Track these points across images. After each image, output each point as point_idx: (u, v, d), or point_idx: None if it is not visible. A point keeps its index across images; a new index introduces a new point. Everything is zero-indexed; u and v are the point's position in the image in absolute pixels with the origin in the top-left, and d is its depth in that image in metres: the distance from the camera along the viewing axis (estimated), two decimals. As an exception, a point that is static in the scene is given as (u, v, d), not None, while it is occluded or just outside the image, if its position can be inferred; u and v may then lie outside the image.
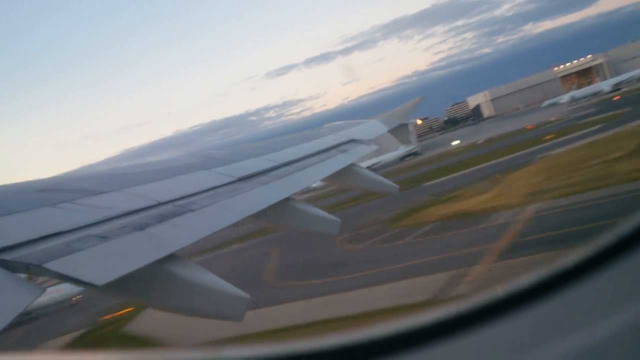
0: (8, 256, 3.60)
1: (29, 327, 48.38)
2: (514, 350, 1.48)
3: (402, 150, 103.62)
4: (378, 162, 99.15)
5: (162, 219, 4.89)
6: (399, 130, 14.65)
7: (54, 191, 5.14)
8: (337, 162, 8.96)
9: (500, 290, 1.67)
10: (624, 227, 1.74)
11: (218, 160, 7.49)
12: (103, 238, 4.22)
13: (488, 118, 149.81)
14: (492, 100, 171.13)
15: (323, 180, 8.51)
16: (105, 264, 3.94)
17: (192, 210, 5.25)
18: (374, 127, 13.33)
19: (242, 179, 6.69)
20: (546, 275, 1.66)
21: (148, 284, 4.28)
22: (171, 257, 4.41)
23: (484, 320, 1.55)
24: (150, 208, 5.11)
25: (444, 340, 1.52)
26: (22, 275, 3.69)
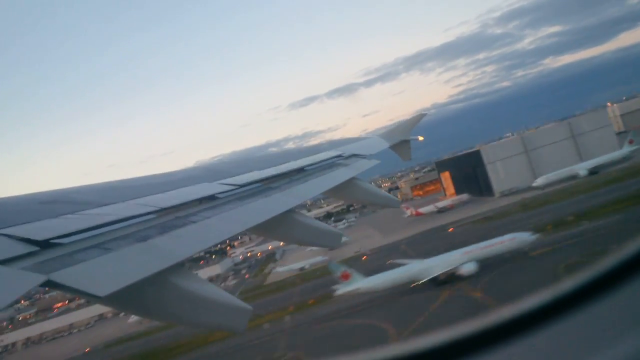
0: (11, 267, 3.57)
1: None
2: None
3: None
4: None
5: (164, 230, 4.88)
6: (400, 147, 14.55)
7: (58, 203, 5.14)
8: (339, 176, 8.94)
9: (500, 315, 1.72)
10: (623, 254, 1.76)
11: (221, 172, 7.44)
12: (105, 250, 4.21)
13: (620, 133, 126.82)
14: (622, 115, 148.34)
15: (325, 193, 8.47)
16: (106, 275, 3.93)
17: (194, 222, 5.23)
18: (375, 143, 13.30)
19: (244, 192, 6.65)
20: (546, 301, 1.69)
21: (150, 295, 4.27)
22: (173, 268, 4.38)
23: (481, 347, 1.57)
24: (152, 220, 5.10)
25: None
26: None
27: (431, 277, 55.91)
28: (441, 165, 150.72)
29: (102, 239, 4.40)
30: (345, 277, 59.72)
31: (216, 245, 5.79)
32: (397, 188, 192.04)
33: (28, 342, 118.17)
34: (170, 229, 4.91)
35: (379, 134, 14.99)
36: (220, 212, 5.72)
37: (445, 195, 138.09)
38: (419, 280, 56.35)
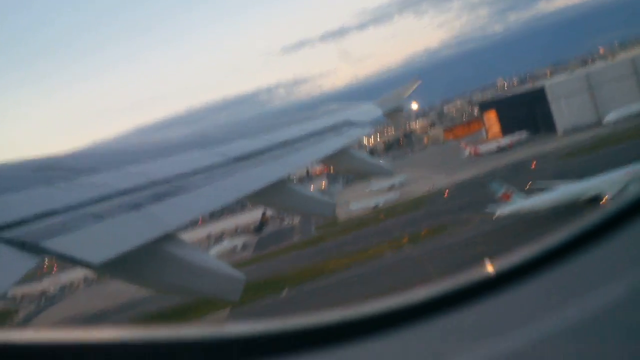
0: (4, 234, 3.57)
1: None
2: (506, 326, 1.53)
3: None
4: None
5: (157, 198, 4.86)
6: (394, 114, 14.55)
7: (51, 170, 5.09)
8: (332, 144, 8.90)
9: (489, 268, 1.74)
10: (609, 207, 1.83)
11: (213, 139, 7.43)
12: (99, 217, 4.21)
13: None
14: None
15: (318, 161, 8.53)
16: (100, 243, 3.95)
17: (188, 190, 5.23)
18: (369, 110, 13.22)
19: (237, 160, 6.65)
20: (535, 253, 1.71)
21: (144, 263, 4.27)
22: (167, 237, 4.40)
23: (474, 297, 1.59)
24: (145, 187, 5.07)
25: (435, 317, 1.56)
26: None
27: (600, 195, 53.55)
28: (485, 105, 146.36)
29: (95, 207, 4.39)
30: (507, 197, 58.62)
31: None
32: (411, 132, 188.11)
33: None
34: (164, 197, 4.91)
35: (375, 101, 14.86)
36: (213, 180, 5.74)
37: (487, 136, 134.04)
38: (584, 200, 54.24)
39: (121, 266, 4.08)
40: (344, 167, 9.78)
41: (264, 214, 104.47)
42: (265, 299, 56.79)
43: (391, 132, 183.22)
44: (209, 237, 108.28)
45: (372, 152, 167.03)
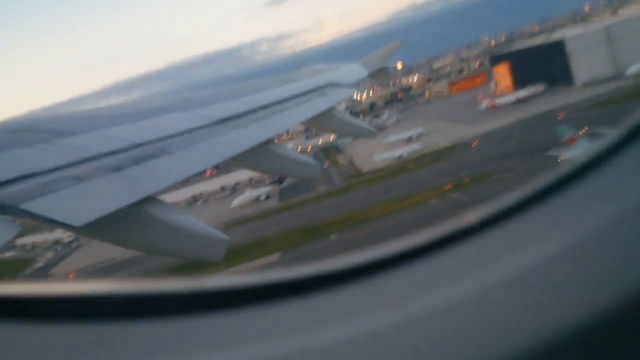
0: None
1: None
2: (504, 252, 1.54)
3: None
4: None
5: (138, 160, 4.83)
6: (379, 74, 14.51)
7: (28, 132, 5.03)
8: (316, 106, 8.84)
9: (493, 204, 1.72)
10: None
11: (195, 102, 7.37)
12: (79, 179, 4.17)
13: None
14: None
15: (302, 123, 8.50)
16: (81, 205, 3.92)
17: (169, 153, 5.20)
18: (354, 71, 13.15)
19: (220, 122, 6.59)
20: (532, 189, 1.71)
21: (126, 225, 4.26)
22: (149, 199, 4.39)
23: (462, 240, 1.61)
24: (126, 150, 5.03)
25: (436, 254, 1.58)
26: None
27: None
28: (496, 58, 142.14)
29: (75, 169, 4.35)
30: (572, 141, 56.61)
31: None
32: (409, 89, 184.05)
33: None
34: (145, 160, 4.87)
35: (359, 61, 14.64)
36: (196, 142, 5.71)
37: (496, 89, 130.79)
38: None
39: (103, 228, 4.06)
40: (329, 129, 9.77)
41: None
42: (313, 243, 56.57)
43: (385, 89, 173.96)
44: (223, 188, 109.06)
45: (372, 107, 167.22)
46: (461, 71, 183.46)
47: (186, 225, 4.55)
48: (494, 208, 1.69)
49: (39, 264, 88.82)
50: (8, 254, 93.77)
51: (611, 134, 1.83)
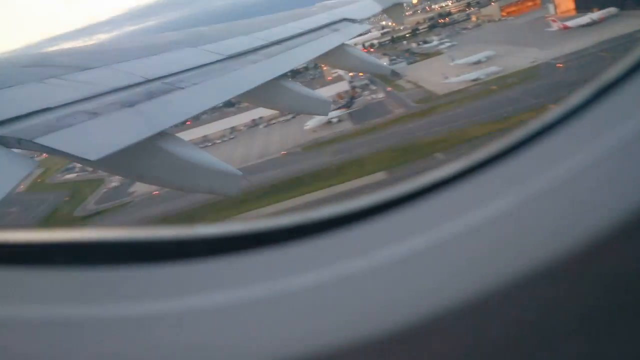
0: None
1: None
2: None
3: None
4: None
5: (151, 96, 4.84)
6: (394, 10, 13.97)
7: (41, 66, 5.04)
8: (329, 42, 8.70)
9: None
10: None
11: (206, 37, 7.31)
12: (93, 114, 4.20)
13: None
14: None
15: (314, 60, 8.40)
16: (96, 139, 3.97)
17: (182, 88, 5.20)
18: (368, 6, 12.84)
19: (231, 57, 6.55)
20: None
21: (141, 160, 4.32)
22: (163, 135, 4.43)
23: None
24: (138, 85, 5.06)
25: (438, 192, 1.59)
26: (16, 150, 3.67)
27: None
28: None
29: (89, 104, 4.37)
30: None
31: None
32: (449, 14, 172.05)
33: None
34: (158, 95, 4.87)
35: None
36: (208, 78, 5.69)
37: (556, 12, 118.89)
38: None
39: (117, 162, 4.17)
40: (342, 65, 9.72)
41: (354, 87, 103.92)
42: (417, 162, 53.73)
43: (423, 14, 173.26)
44: (261, 118, 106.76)
45: (415, 32, 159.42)
46: None
47: (201, 160, 4.61)
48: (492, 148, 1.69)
49: (114, 183, 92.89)
50: (70, 176, 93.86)
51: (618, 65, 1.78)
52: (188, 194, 69.06)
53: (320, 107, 7.24)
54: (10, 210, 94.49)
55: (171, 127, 4.71)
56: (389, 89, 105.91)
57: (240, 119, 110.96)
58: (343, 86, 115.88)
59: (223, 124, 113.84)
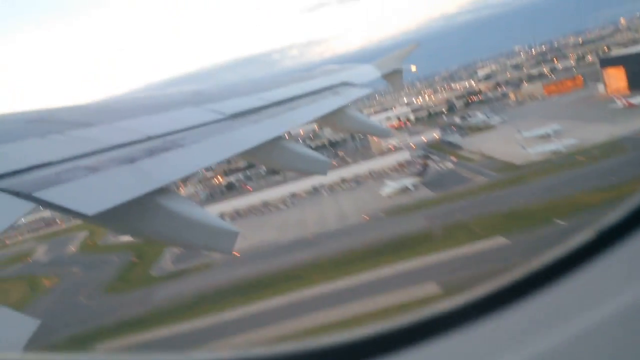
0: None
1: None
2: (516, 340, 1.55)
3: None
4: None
5: (151, 153, 4.88)
6: (393, 76, 14.46)
7: (44, 122, 5.11)
8: (329, 104, 8.81)
9: (493, 285, 1.72)
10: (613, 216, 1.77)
11: (210, 97, 7.40)
12: (92, 169, 4.22)
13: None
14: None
15: (315, 121, 8.40)
16: (95, 194, 3.95)
17: (182, 146, 5.24)
18: (368, 72, 13.20)
19: (233, 117, 6.62)
20: (540, 267, 1.70)
21: (138, 216, 4.30)
22: (161, 191, 4.43)
23: (481, 315, 1.61)
24: (140, 142, 5.11)
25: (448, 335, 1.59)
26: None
27: None
28: (608, 61, 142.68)
29: (90, 160, 4.40)
30: None
31: None
32: (478, 92, 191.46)
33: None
34: (158, 152, 4.91)
35: (373, 63, 14.79)
36: (209, 136, 5.74)
37: (607, 91, 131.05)
38: None
39: (115, 218, 4.11)
40: (342, 127, 9.60)
41: (425, 156, 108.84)
42: (536, 229, 53.63)
43: (446, 92, 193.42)
44: (343, 180, 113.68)
45: (450, 108, 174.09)
46: (542, 75, 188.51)
47: (198, 217, 4.57)
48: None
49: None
50: (127, 237, 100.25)
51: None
52: (270, 256, 72.23)
53: (320, 166, 7.20)
54: (72, 269, 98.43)
55: (170, 182, 4.70)
56: (454, 159, 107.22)
57: (299, 186, 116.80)
58: (404, 156, 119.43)
59: (280, 191, 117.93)
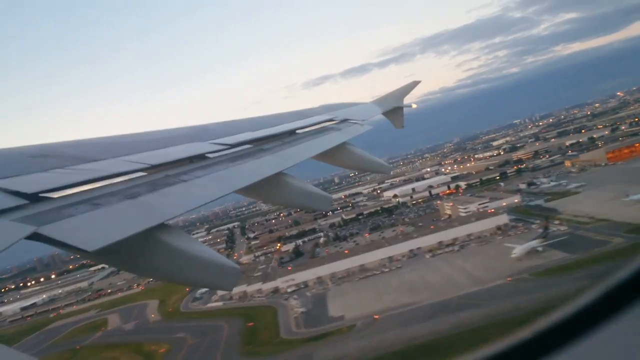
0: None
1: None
2: None
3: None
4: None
5: (154, 188, 4.86)
6: (394, 114, 14.56)
7: (47, 157, 5.12)
8: (331, 140, 8.85)
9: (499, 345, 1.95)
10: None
11: (213, 133, 7.41)
12: (95, 205, 4.19)
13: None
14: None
15: (316, 157, 8.30)
16: (96, 230, 3.89)
17: (185, 181, 5.22)
18: (369, 109, 13.32)
19: (235, 152, 6.62)
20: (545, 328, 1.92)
21: (139, 251, 4.26)
22: (163, 226, 4.38)
23: None
24: (142, 177, 5.11)
25: None
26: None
27: None
28: None
29: (91, 195, 4.37)
30: None
31: None
32: (520, 161, 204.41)
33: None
34: (160, 187, 4.88)
35: (374, 100, 14.95)
36: (210, 172, 5.69)
37: None
38: None
39: (115, 254, 4.13)
40: (343, 163, 9.57)
41: (546, 218, 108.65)
42: None
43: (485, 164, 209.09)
44: (440, 244, 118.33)
45: (502, 175, 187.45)
46: (580, 144, 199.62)
47: (200, 253, 4.52)
48: None
49: (301, 308, 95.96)
50: (216, 304, 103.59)
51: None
52: (416, 322, 70.79)
53: (322, 203, 7.16)
54: (179, 335, 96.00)
55: (171, 218, 4.59)
56: (559, 222, 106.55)
57: (395, 250, 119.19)
58: (502, 220, 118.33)
59: (376, 255, 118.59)
